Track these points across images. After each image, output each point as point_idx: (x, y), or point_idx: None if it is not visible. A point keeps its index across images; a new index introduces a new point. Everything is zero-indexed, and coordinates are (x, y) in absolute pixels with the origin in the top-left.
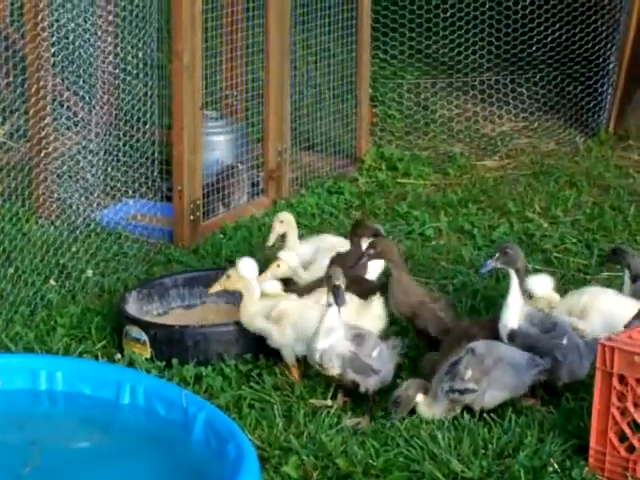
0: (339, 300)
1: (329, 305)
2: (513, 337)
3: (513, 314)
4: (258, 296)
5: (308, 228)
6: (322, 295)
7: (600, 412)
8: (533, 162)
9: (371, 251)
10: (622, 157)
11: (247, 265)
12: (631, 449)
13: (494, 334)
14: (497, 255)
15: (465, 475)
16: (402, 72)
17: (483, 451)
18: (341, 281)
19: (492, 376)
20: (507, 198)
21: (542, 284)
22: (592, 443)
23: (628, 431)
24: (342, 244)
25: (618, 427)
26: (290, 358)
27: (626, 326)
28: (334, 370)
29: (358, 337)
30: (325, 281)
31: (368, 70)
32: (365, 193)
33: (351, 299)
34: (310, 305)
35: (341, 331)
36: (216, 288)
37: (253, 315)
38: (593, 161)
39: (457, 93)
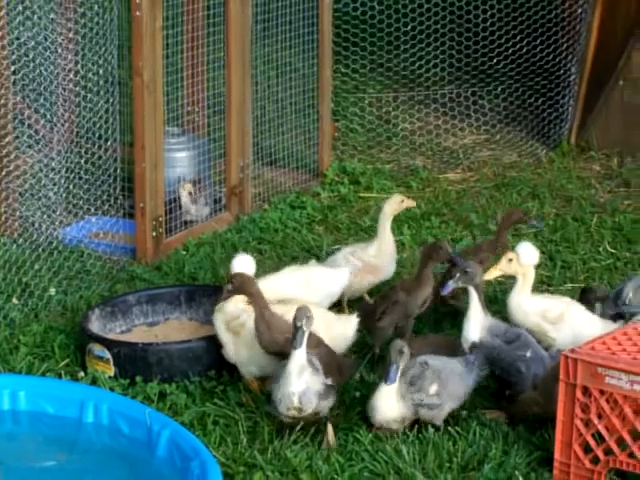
0: (295, 343)
1: (294, 348)
2: (475, 350)
3: (474, 327)
4: None
5: (271, 244)
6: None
7: (564, 424)
8: (495, 174)
9: (229, 287)
10: (584, 168)
11: (242, 262)
12: (596, 461)
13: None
14: (457, 275)
15: None
16: (364, 86)
17: (448, 464)
18: (304, 323)
19: (448, 389)
20: (470, 210)
21: (529, 253)
22: (557, 455)
23: (592, 443)
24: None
25: (582, 439)
26: (245, 373)
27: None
28: (311, 409)
29: (314, 366)
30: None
31: (330, 84)
32: (328, 207)
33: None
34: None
35: (309, 368)
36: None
37: None
38: (555, 172)
39: (419, 106)
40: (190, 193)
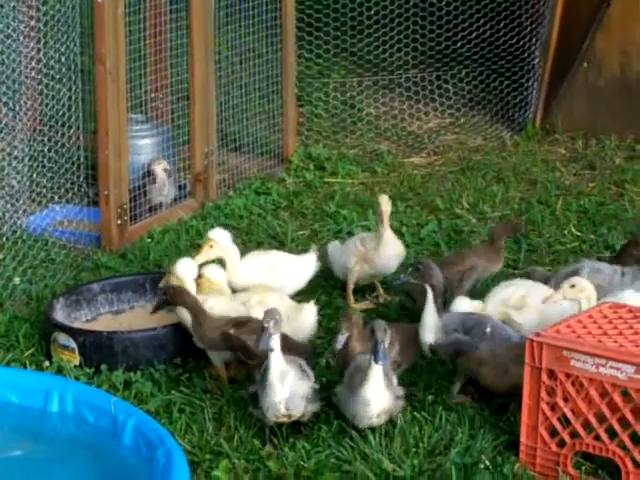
0: (259, 343)
1: (271, 350)
2: (433, 351)
3: (429, 330)
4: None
5: (237, 229)
6: (251, 295)
7: (530, 407)
8: (460, 158)
9: (164, 298)
10: (549, 151)
11: (220, 234)
12: (562, 444)
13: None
14: (409, 270)
15: (397, 474)
16: (328, 71)
17: (414, 449)
18: (271, 325)
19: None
20: (435, 195)
21: None
22: (523, 439)
23: (558, 426)
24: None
25: (548, 422)
26: (215, 359)
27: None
28: (299, 412)
29: (302, 369)
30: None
31: (294, 70)
32: (293, 193)
33: (283, 300)
34: (237, 309)
35: (292, 371)
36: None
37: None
38: (520, 156)
39: (383, 91)
40: (165, 169)
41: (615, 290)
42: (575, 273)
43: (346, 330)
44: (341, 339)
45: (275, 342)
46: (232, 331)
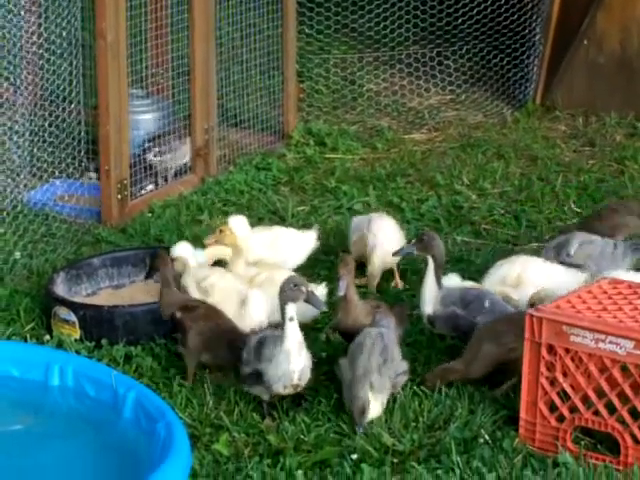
0: (282, 322)
1: (290, 320)
2: (431, 322)
3: (428, 300)
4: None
5: (236, 205)
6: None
7: (530, 382)
8: (461, 135)
9: (151, 262)
10: (549, 128)
11: (239, 222)
12: (561, 419)
13: None
14: (413, 241)
15: (396, 448)
16: (329, 47)
17: (414, 424)
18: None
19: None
20: (435, 171)
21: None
22: (522, 414)
23: (558, 401)
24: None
25: (548, 397)
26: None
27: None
28: (305, 383)
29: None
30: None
31: (294, 46)
32: (293, 169)
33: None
34: (237, 289)
35: (304, 344)
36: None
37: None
38: (520, 133)
39: (384, 67)
40: None
41: (606, 262)
42: (566, 243)
43: (345, 275)
44: (342, 285)
45: (292, 310)
46: (178, 314)
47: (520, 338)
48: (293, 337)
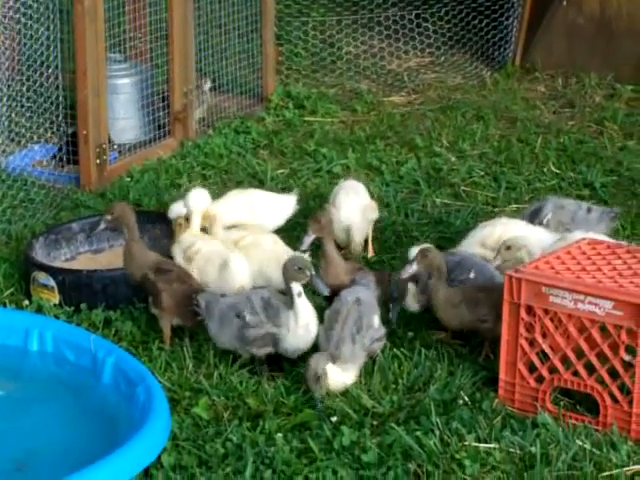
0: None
1: (299, 295)
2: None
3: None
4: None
5: (216, 169)
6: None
7: (509, 343)
8: (440, 97)
9: (108, 217)
10: (529, 89)
11: (198, 197)
12: (540, 379)
13: None
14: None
15: (376, 410)
16: (307, 10)
17: (394, 386)
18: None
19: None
20: (415, 133)
21: None
22: (502, 375)
23: (537, 361)
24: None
25: (527, 358)
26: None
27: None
28: None
29: None
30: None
31: (273, 9)
32: (273, 132)
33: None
34: (217, 252)
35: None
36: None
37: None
38: (500, 94)
39: (363, 30)
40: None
41: (578, 226)
42: (539, 210)
43: (313, 232)
44: (307, 240)
45: (298, 287)
46: (151, 276)
47: (493, 310)
48: (305, 311)
